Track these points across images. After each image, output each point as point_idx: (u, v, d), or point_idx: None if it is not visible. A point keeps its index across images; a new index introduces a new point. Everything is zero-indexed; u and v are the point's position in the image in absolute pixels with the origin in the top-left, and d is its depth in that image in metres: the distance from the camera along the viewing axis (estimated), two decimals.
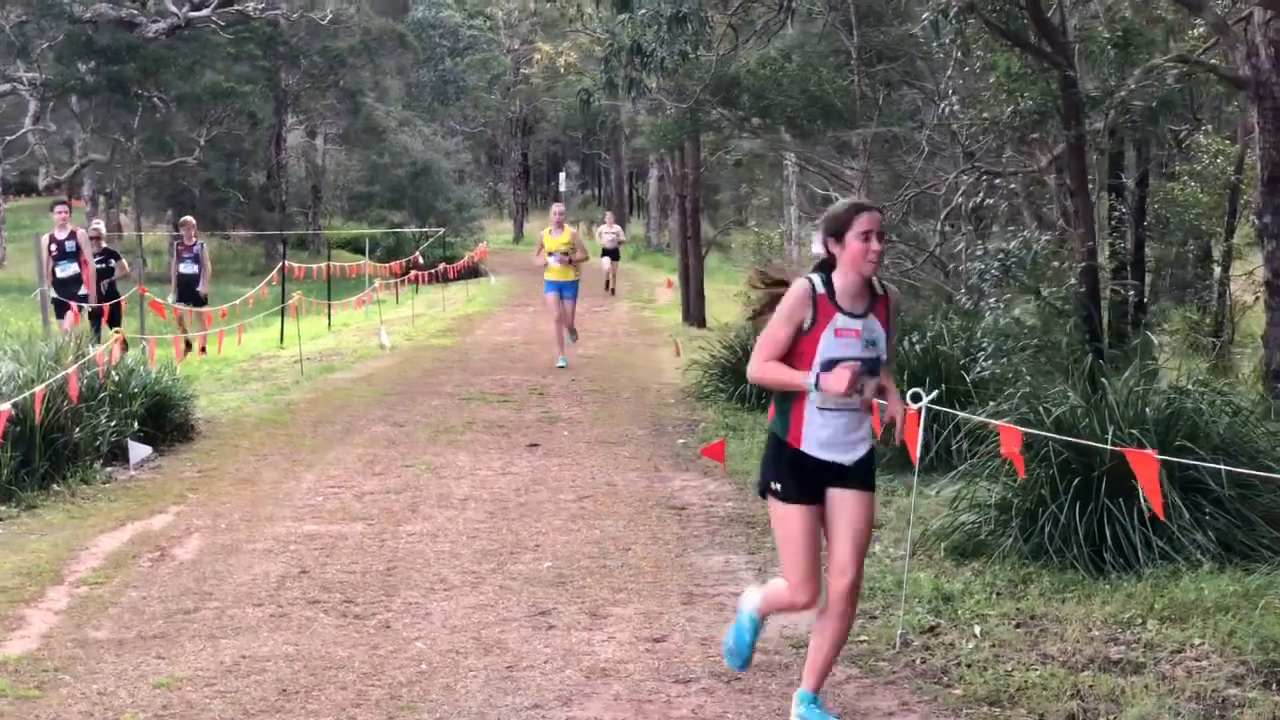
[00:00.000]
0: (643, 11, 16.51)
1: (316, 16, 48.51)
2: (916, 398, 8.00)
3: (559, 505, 11.97)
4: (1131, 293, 16.46)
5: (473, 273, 46.22)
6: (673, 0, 16.03)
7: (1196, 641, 7.54)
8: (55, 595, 9.20)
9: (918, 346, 13.41)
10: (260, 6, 45.34)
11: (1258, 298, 20.49)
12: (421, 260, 41.12)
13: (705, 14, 16.52)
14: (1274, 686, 6.92)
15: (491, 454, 14.54)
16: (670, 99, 18.87)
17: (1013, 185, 12.35)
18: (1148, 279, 19.85)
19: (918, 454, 8.21)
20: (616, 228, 44.79)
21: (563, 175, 79.81)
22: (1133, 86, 11.33)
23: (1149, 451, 6.39)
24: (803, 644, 7.77)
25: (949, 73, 14.17)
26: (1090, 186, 16.88)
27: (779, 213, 37.04)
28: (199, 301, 24.45)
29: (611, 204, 67.88)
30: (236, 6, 44.71)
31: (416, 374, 21.91)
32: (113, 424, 13.59)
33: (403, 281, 38.60)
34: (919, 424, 8.12)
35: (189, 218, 27.46)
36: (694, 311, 32.36)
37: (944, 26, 11.30)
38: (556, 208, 22.44)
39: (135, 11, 43.92)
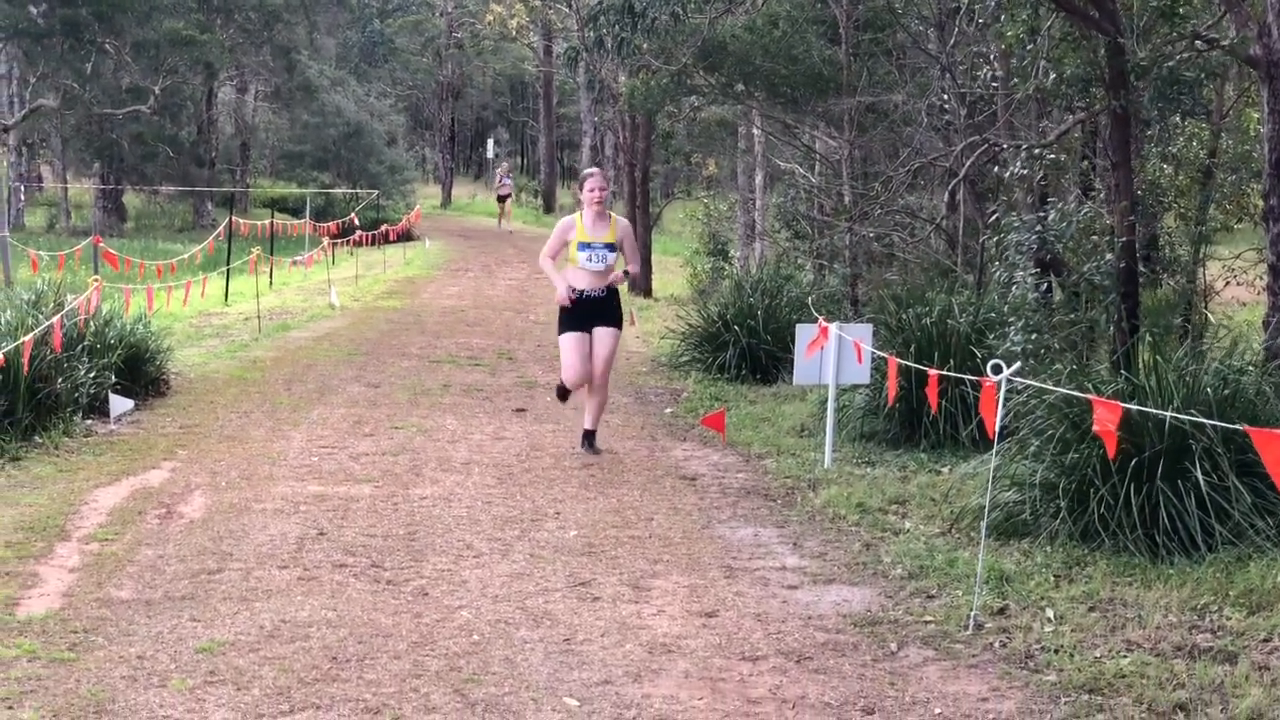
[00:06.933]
0: None
1: None
2: (998, 370, 7.69)
3: (566, 472, 11.60)
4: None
5: (406, 236, 45.50)
6: None
7: None
8: (65, 551, 8.73)
9: (925, 320, 13.11)
10: None
11: (1227, 283, 20.40)
12: (358, 222, 40.50)
13: None
14: None
15: (479, 418, 14.15)
16: (658, 60, 18.43)
17: (1051, 156, 11.99)
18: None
19: (996, 428, 7.86)
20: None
21: (490, 142, 79.03)
22: (1183, 55, 11.04)
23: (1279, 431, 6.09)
24: (863, 622, 7.70)
25: (1001, 45, 13.79)
26: (1083, 163, 16.68)
27: (731, 183, 36.64)
28: None
29: (540, 171, 69.12)
30: None
31: (375, 335, 21.44)
32: (91, 375, 13.05)
33: (345, 243, 37.95)
34: (997, 398, 7.79)
35: None
36: (640, 281, 31.90)
37: None
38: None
39: None
